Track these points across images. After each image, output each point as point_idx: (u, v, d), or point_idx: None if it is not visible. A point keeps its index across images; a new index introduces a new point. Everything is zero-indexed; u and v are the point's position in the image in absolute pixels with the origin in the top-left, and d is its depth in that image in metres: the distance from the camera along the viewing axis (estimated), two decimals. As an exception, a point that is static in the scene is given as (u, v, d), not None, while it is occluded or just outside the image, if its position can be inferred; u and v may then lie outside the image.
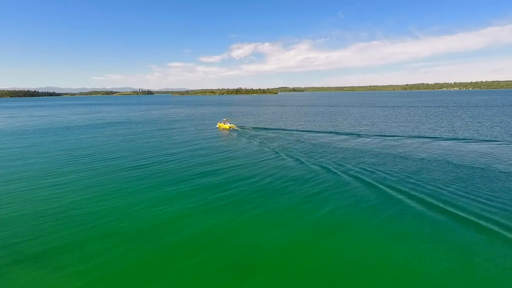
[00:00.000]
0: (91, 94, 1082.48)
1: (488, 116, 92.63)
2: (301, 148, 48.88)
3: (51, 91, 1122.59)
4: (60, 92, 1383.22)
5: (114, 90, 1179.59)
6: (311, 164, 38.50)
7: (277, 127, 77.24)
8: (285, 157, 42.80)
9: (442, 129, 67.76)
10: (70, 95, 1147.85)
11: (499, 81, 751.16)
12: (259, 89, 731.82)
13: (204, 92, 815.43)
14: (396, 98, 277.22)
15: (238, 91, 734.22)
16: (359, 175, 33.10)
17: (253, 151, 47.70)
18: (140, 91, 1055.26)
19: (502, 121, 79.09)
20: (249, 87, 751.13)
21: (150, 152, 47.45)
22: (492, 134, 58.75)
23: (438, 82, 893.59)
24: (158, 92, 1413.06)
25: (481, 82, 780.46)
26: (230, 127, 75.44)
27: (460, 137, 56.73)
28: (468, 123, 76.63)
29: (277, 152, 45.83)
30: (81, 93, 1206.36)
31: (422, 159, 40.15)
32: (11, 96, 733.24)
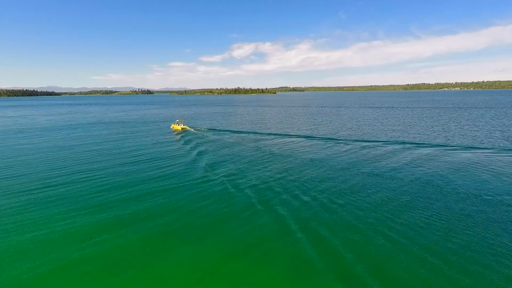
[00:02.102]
0: (91, 94, 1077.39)
1: (488, 119, 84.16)
2: (249, 157, 40.87)
3: (52, 90, 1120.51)
4: (60, 91, 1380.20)
5: (114, 90, 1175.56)
6: (250, 185, 30.39)
7: (236, 129, 72.56)
8: (223, 173, 34.72)
9: (433, 134, 59.49)
10: (70, 94, 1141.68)
11: (501, 81, 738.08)
12: (258, 89, 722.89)
13: (202, 92, 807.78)
14: (394, 98, 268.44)
15: (236, 91, 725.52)
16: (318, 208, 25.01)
17: (188, 160, 40.19)
18: (140, 90, 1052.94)
19: (503, 124, 70.71)
20: (249, 87, 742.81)
21: (70, 166, 39.37)
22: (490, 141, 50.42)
23: (439, 82, 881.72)
24: (158, 91, 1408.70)
25: (483, 82, 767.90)
26: (182, 129, 73.12)
27: (451, 144, 48.48)
28: (465, 128, 68.26)
29: (216, 164, 37.82)
30: (81, 93, 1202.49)
31: (400, 178, 31.94)
32: (8, 96, 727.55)
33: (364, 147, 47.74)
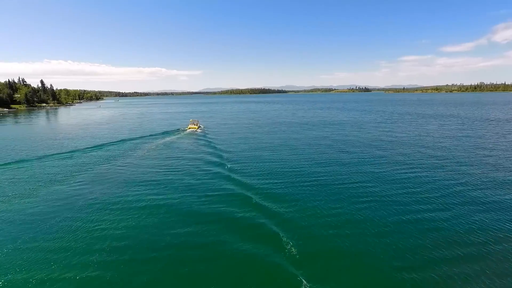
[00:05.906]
0: (312, 92, 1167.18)
1: None
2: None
3: (283, 89, 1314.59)
4: (289, 89, 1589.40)
5: (333, 88, 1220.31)
6: None
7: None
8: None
9: None
10: (295, 92, 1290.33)
11: None
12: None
13: (425, 89, 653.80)
14: None
15: (476, 88, 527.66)
16: None
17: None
18: (357, 88, 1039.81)
19: None
20: (503, 81, 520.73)
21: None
22: None
23: None
24: (382, 89, 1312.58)
25: None
26: (189, 129, 64.06)
27: None
28: None
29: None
30: (305, 91, 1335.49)
31: None
32: (250, 93, 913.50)
33: None
